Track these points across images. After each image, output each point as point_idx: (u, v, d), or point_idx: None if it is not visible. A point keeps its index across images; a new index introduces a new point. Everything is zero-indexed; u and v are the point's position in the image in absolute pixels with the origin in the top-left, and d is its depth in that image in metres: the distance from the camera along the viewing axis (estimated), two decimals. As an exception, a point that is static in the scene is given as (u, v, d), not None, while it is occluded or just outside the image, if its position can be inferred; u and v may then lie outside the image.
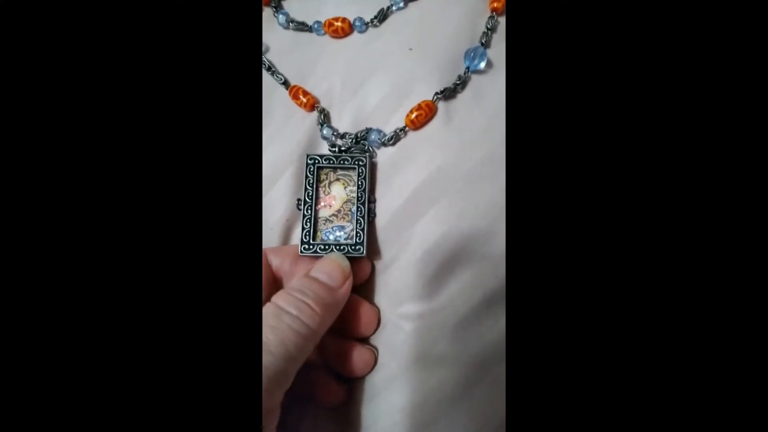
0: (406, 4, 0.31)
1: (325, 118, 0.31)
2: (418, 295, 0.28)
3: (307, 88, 0.31)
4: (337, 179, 0.30)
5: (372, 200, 0.30)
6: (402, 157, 0.29)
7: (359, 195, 0.29)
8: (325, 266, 0.27)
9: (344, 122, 0.31)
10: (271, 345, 0.23)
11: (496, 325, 0.27)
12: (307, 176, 0.30)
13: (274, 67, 0.32)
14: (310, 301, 0.25)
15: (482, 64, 0.30)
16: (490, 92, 0.30)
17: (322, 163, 0.30)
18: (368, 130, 0.30)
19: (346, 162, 0.30)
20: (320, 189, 0.30)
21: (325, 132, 0.30)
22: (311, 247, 0.29)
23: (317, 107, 0.31)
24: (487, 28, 0.30)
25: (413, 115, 0.29)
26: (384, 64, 0.30)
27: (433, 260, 0.28)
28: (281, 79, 0.32)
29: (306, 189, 0.30)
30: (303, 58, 0.32)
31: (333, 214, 0.30)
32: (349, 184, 0.30)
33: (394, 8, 0.31)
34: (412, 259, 0.28)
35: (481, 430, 0.27)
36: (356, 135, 0.30)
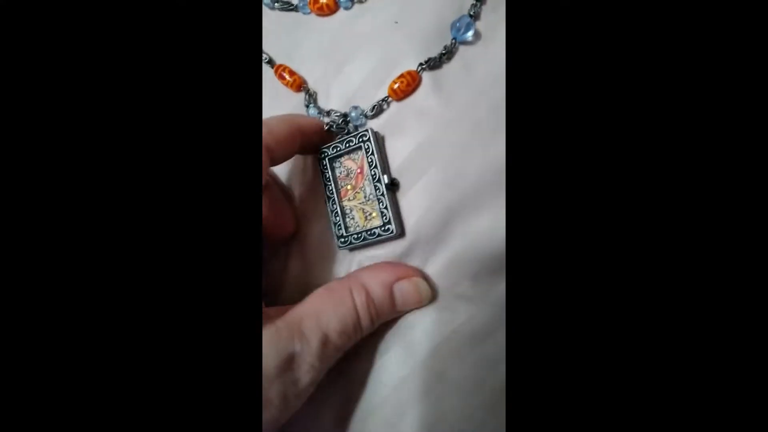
0: (391, -22, 0.31)
1: (311, 99, 0.30)
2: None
3: (293, 67, 0.31)
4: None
5: (386, 171, 0.28)
6: (389, 130, 0.29)
7: (373, 173, 0.28)
8: (409, 292, 0.26)
9: (331, 100, 0.30)
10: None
11: (486, 300, 0.26)
12: (323, 172, 0.29)
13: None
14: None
15: (469, 35, 0.29)
16: (479, 63, 0.29)
17: (332, 153, 0.29)
18: (352, 110, 0.29)
19: (351, 144, 0.28)
20: (338, 180, 0.29)
21: (311, 112, 0.30)
22: (347, 240, 0.28)
23: (304, 87, 0.30)
24: (476, 0, 0.29)
25: (395, 85, 0.28)
26: (370, 40, 0.30)
27: (420, 234, 0.27)
28: (266, 58, 0.31)
29: (326, 185, 0.29)
30: (288, 37, 0.31)
31: (355, 193, 0.29)
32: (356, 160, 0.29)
33: (379, -17, 0.31)
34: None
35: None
36: (343, 115, 0.29)
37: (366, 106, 0.29)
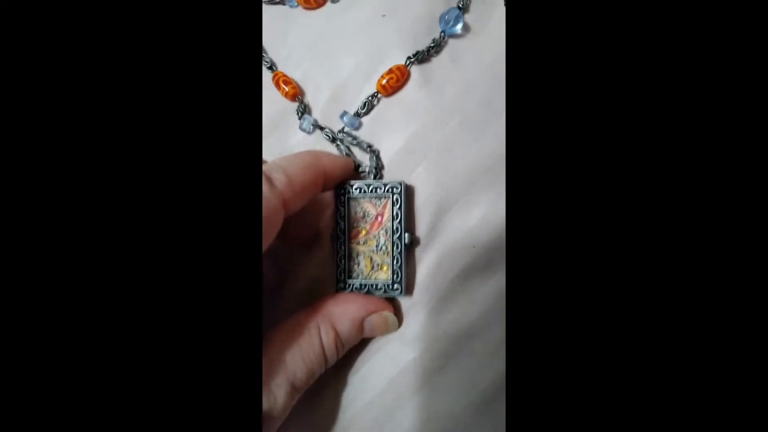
0: (378, -29, 0.30)
1: (304, 110, 0.29)
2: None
3: (280, 61, 0.30)
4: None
5: (410, 229, 0.27)
6: (377, 125, 0.29)
7: (395, 227, 0.27)
8: (378, 325, 0.26)
9: (320, 95, 0.30)
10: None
11: (475, 297, 0.26)
12: (338, 209, 0.27)
13: (264, 50, 0.31)
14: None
15: (458, 27, 0.28)
16: (468, 56, 0.29)
17: (353, 193, 0.27)
18: (343, 114, 0.29)
19: (378, 191, 0.27)
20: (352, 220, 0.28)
21: (304, 125, 0.29)
22: (348, 286, 0.27)
23: (298, 98, 0.30)
24: None
25: (384, 81, 0.28)
26: (357, 33, 0.30)
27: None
28: (267, 63, 0.31)
29: (338, 223, 0.27)
30: (275, 30, 0.31)
31: (367, 239, 0.28)
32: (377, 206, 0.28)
33: (366, -25, 0.30)
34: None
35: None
36: (333, 136, 0.29)
37: (353, 102, 0.29)
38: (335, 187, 0.27)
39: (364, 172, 0.28)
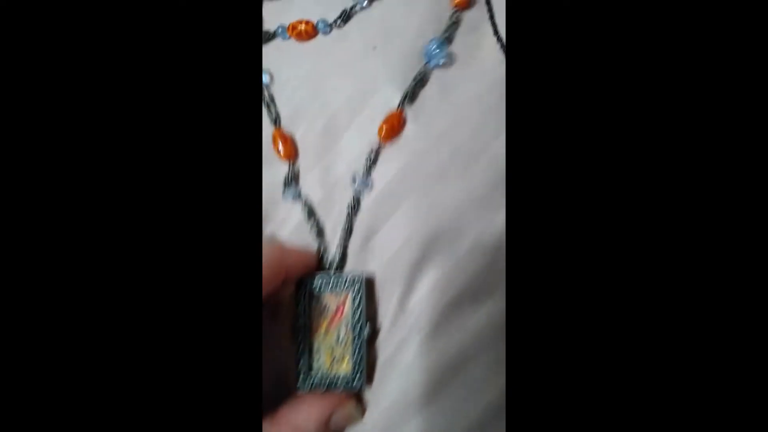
0: (369, 4, 0.31)
1: (291, 179, 0.30)
2: (388, 303, 0.28)
3: (274, 92, 0.31)
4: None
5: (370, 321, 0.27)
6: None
7: (355, 321, 0.27)
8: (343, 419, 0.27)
9: (311, 132, 0.30)
10: None
11: (467, 324, 0.28)
12: (299, 303, 0.27)
13: (274, 101, 0.31)
14: None
15: (443, 59, 0.30)
16: (455, 87, 0.30)
17: (315, 288, 0.28)
18: (355, 177, 0.29)
19: (337, 284, 0.28)
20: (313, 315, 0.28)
21: (285, 192, 0.30)
22: (309, 381, 0.27)
23: (291, 161, 0.30)
24: (451, 23, 0.30)
25: (383, 131, 0.29)
26: (348, 65, 0.30)
27: (400, 265, 0.28)
28: (273, 115, 0.31)
29: (299, 318, 0.27)
30: (268, 63, 0.31)
31: (327, 333, 0.28)
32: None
33: (357, 8, 0.31)
34: (380, 265, 0.29)
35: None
36: (309, 211, 0.29)
37: (345, 129, 0.30)
38: (297, 282, 0.28)
39: (326, 266, 0.29)
